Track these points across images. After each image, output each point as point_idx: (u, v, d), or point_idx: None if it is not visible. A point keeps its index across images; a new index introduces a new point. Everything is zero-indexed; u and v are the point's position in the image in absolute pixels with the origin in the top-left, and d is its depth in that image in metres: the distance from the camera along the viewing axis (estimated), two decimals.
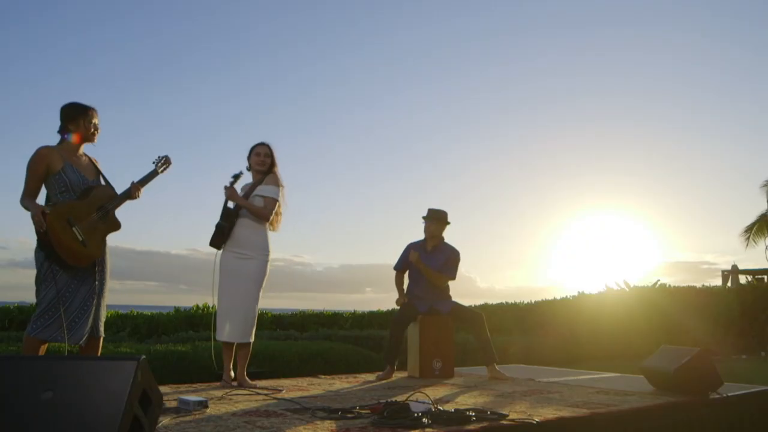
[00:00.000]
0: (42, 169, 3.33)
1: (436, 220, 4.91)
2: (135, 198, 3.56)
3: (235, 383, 4.09)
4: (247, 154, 4.31)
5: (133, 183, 3.57)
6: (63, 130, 3.44)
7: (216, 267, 4.16)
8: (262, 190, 4.17)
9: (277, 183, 4.22)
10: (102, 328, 3.46)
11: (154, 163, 3.68)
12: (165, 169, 3.71)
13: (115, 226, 3.52)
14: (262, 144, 4.28)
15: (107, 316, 10.39)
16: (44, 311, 3.24)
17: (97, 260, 3.42)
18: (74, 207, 3.33)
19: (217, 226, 4.13)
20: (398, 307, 5.03)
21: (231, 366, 4.15)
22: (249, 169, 4.30)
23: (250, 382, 4.11)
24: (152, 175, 3.66)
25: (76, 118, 3.42)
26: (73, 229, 3.27)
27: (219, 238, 4.13)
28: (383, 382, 4.55)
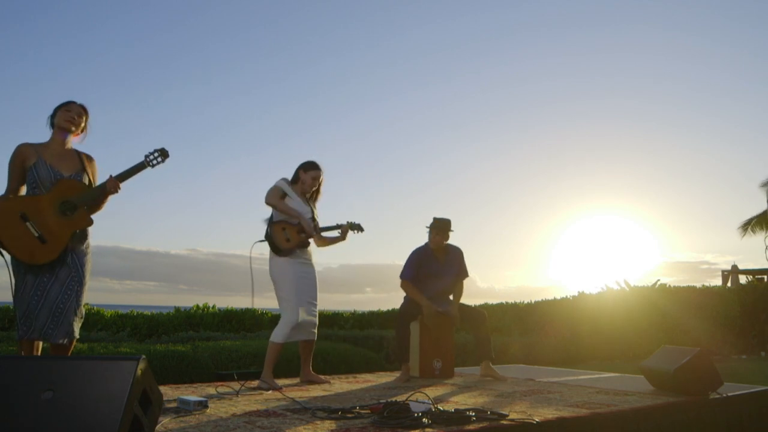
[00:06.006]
0: (18, 165, 3.34)
1: (443, 231, 4.88)
2: (113, 193, 3.43)
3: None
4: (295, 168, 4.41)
5: (110, 177, 3.43)
6: (51, 126, 3.47)
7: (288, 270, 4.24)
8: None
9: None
10: (77, 330, 3.35)
11: (145, 155, 3.51)
12: (159, 162, 3.53)
13: (84, 221, 3.39)
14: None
15: (107, 316, 10.42)
16: (23, 314, 3.20)
17: (69, 256, 3.33)
18: (33, 201, 3.27)
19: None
20: (399, 308, 5.02)
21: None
22: (296, 181, 4.40)
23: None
24: (138, 168, 3.48)
25: (57, 110, 3.46)
26: (27, 224, 3.21)
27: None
28: (383, 381, 4.54)
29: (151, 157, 3.53)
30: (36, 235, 3.22)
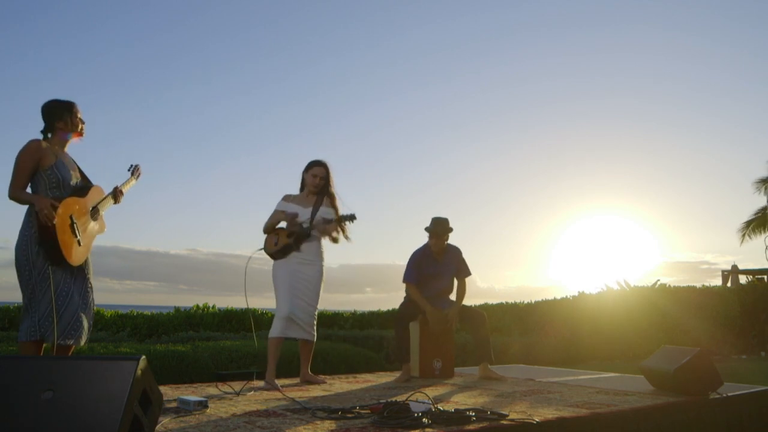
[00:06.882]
0: (34, 163, 3.27)
1: (441, 236, 4.87)
2: (117, 203, 3.60)
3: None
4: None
5: (116, 188, 3.60)
6: (48, 129, 3.41)
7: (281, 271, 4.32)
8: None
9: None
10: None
11: (129, 170, 3.76)
12: (138, 176, 3.80)
13: (103, 228, 3.52)
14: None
15: (108, 316, 10.39)
16: (47, 313, 3.19)
17: (85, 260, 3.41)
18: (78, 204, 3.30)
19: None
20: (398, 308, 5.01)
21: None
22: (303, 185, 4.53)
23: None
24: (129, 181, 3.73)
25: (62, 114, 3.40)
26: (74, 226, 3.25)
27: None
28: (383, 381, 4.54)
29: (133, 171, 3.77)
30: (77, 237, 3.27)
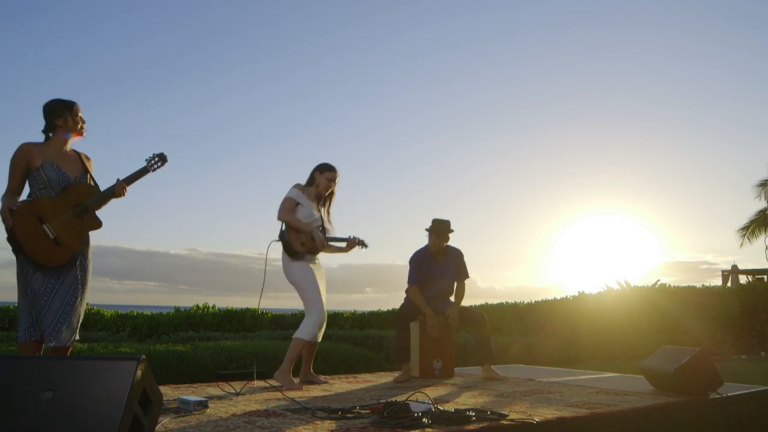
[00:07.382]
0: (22, 166, 3.29)
1: (442, 234, 4.87)
2: (120, 196, 3.47)
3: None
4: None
5: (118, 180, 3.48)
6: (49, 128, 3.40)
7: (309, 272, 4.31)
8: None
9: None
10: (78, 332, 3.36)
11: (146, 160, 3.56)
12: (159, 167, 3.58)
13: (95, 224, 3.44)
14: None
15: (108, 316, 10.40)
16: (27, 314, 3.23)
17: (78, 258, 3.36)
18: (48, 204, 3.28)
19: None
20: (398, 308, 5.01)
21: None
22: (311, 183, 4.44)
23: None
24: (142, 172, 3.54)
25: (62, 113, 3.38)
26: (44, 226, 3.23)
27: None
28: (383, 381, 4.54)
29: (153, 161, 3.57)
30: (52, 237, 3.25)
